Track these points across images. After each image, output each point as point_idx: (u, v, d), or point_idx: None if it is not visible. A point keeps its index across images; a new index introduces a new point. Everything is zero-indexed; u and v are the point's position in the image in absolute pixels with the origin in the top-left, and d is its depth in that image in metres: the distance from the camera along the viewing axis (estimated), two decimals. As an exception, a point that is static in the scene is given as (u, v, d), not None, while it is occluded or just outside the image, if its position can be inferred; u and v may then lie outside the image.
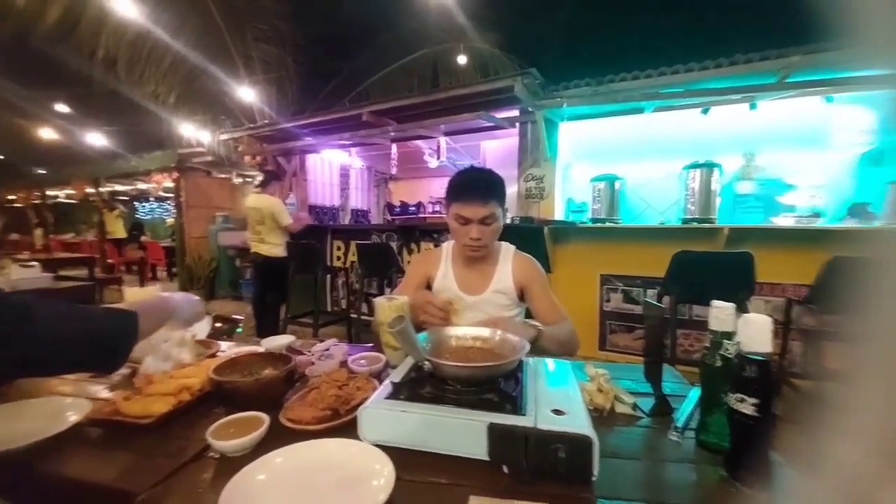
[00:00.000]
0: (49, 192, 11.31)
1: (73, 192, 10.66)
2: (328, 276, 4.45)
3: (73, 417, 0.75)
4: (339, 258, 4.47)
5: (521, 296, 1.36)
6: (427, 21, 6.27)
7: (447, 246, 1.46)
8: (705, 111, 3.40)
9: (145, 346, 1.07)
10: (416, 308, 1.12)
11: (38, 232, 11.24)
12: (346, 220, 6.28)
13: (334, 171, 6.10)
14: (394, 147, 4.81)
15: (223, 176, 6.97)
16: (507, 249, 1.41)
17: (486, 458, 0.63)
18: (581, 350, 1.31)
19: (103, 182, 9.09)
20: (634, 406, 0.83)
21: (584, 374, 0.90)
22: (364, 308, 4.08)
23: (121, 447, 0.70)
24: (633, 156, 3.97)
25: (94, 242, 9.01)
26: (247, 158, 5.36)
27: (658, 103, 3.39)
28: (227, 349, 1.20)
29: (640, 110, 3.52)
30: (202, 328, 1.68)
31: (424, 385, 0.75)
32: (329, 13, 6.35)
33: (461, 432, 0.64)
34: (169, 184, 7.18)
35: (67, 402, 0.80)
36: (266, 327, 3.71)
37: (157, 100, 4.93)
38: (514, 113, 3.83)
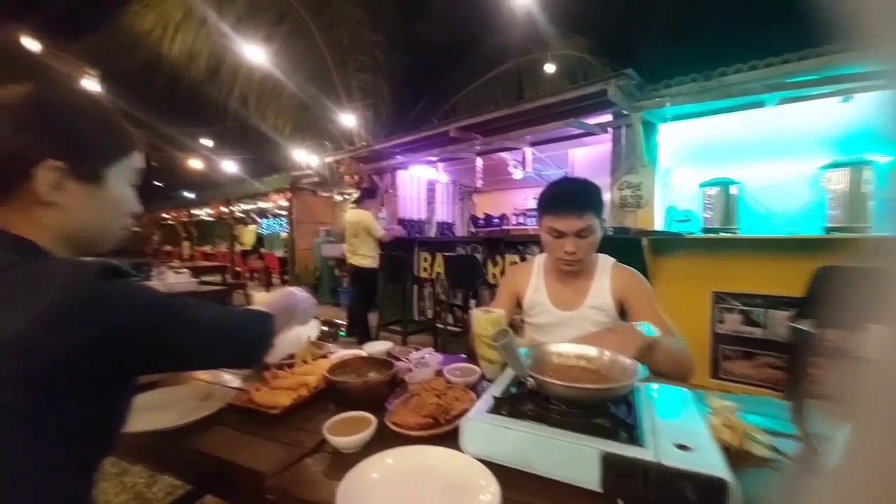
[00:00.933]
0: (194, 212, 13.74)
1: (211, 211, 12.81)
2: (415, 286, 4.64)
3: (217, 402, 0.88)
4: (425, 269, 4.63)
5: (621, 312, 1.25)
6: (511, 35, 6.32)
7: (539, 259, 1.41)
8: (846, 99, 2.83)
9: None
10: None
11: (186, 244, 13.68)
12: (431, 232, 6.50)
13: (422, 185, 6.38)
14: (479, 160, 4.88)
15: (326, 194, 7.77)
16: (605, 262, 1.31)
17: (597, 488, 0.58)
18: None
19: (234, 202, 10.76)
20: (772, 448, 0.70)
21: (702, 405, 0.78)
22: (449, 318, 4.17)
23: (253, 432, 0.80)
24: (750, 156, 3.47)
25: (226, 253, 10.66)
26: (346, 178, 5.90)
27: (784, 94, 2.92)
28: (335, 351, 1.31)
29: (759, 104, 3.07)
30: (313, 330, 1.87)
31: (526, 402, 0.72)
32: (420, 41, 6.77)
33: (570, 457, 0.60)
34: (283, 202, 8.23)
35: (212, 389, 0.94)
36: (358, 332, 3.98)
37: (276, 130, 5.73)
38: (607, 118, 3.62)
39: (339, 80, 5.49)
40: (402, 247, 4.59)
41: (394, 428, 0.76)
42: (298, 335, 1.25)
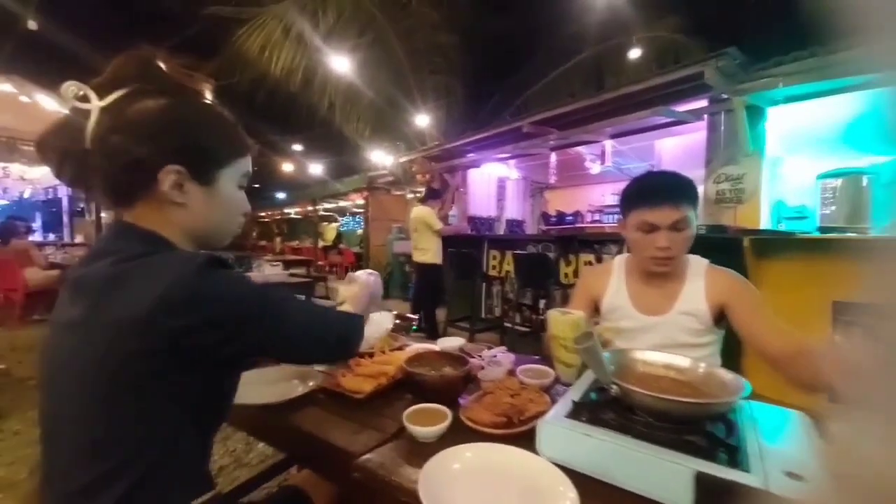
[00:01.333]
0: (285, 210, 15.23)
1: (299, 209, 14.09)
2: (484, 284, 4.64)
3: (311, 383, 0.97)
4: (494, 267, 4.60)
5: (717, 319, 1.12)
6: (590, 21, 5.98)
7: (619, 260, 1.32)
8: None
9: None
10: None
11: (278, 240, 15.21)
12: (501, 230, 6.44)
13: (492, 183, 6.35)
14: (553, 155, 4.71)
15: (399, 193, 8.11)
16: (699, 263, 1.19)
17: (688, 510, 0.53)
18: (803, 398, 0.98)
19: (318, 202, 11.72)
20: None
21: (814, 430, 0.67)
22: (517, 318, 4.11)
23: (340, 413, 0.87)
24: (880, 143, 2.88)
25: (311, 248, 11.67)
26: (418, 177, 6.10)
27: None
28: (409, 344, 1.36)
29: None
30: (389, 322, 1.97)
31: (607, 410, 0.69)
32: (493, 38, 6.73)
33: (658, 474, 0.56)
34: (360, 201, 8.77)
35: (305, 371, 1.04)
36: (427, 326, 4.10)
37: (356, 133, 6.14)
38: (702, 103, 3.26)
39: (415, 82, 5.69)
40: (471, 244, 4.62)
41: (468, 423, 0.77)
42: (378, 326, 1.33)
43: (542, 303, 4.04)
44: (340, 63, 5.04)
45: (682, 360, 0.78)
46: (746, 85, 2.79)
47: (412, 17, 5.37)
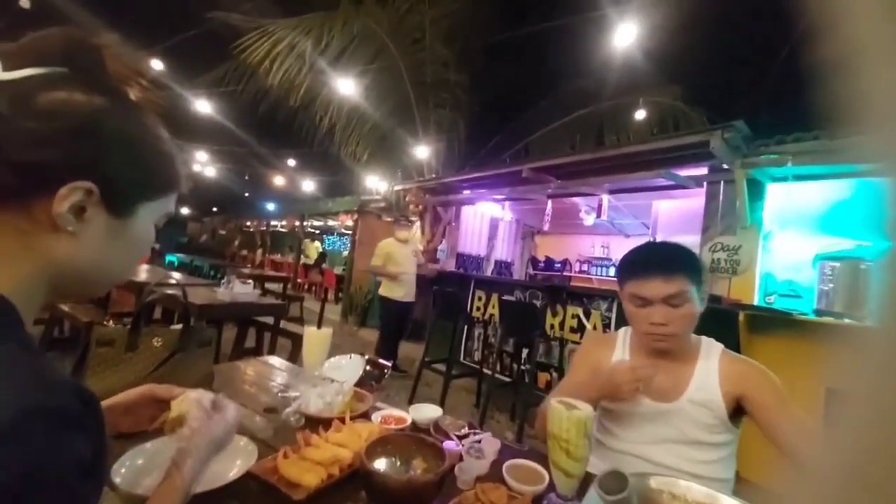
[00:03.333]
0: (272, 223, 14.90)
1: (285, 223, 13.80)
2: (466, 325, 4.43)
3: (239, 463, 0.75)
4: (478, 308, 4.42)
5: (733, 414, 0.97)
6: (595, 79, 6.19)
7: (624, 332, 1.17)
8: None
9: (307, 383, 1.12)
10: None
11: (259, 251, 14.78)
12: (489, 270, 6.32)
13: (485, 222, 6.28)
14: (549, 202, 4.68)
15: (389, 219, 7.97)
16: (711, 347, 1.05)
17: None
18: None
19: (307, 218, 11.49)
20: None
21: None
22: (497, 366, 3.89)
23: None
24: (872, 229, 2.89)
25: (292, 264, 11.31)
26: (411, 206, 6.00)
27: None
28: (378, 407, 1.15)
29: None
30: (355, 370, 1.74)
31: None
32: (501, 81, 6.91)
33: None
34: (349, 223, 8.58)
35: (240, 446, 0.82)
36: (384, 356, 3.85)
37: (354, 157, 6.06)
38: (702, 171, 3.27)
39: (419, 114, 5.70)
40: (458, 283, 4.45)
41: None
42: (341, 387, 1.12)
43: (524, 352, 3.86)
44: (346, 86, 5.01)
45: (721, 499, 0.60)
46: (752, 159, 2.79)
47: (424, 51, 5.44)
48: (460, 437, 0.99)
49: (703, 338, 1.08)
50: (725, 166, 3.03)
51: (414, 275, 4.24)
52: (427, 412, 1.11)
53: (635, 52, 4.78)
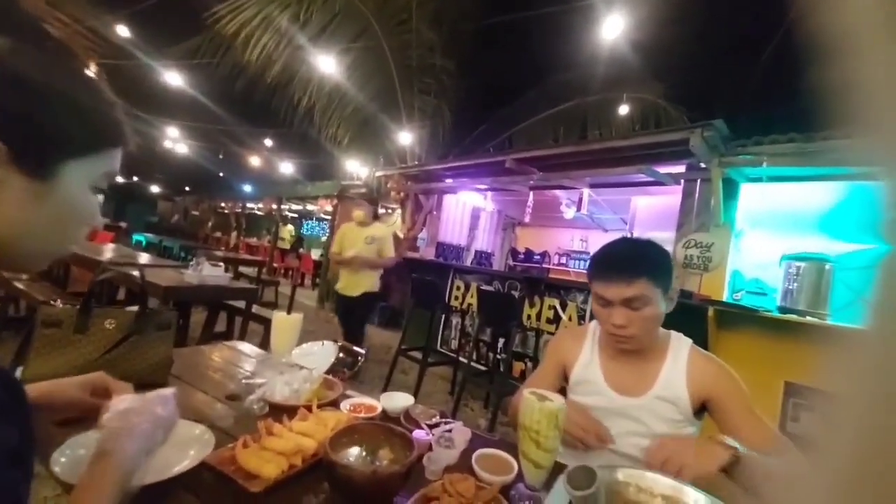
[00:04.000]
0: (248, 205, 14.45)
1: (262, 206, 13.40)
2: (444, 314, 4.43)
3: (192, 453, 0.71)
4: (457, 298, 4.42)
5: (697, 411, 0.99)
6: (581, 73, 6.20)
7: (595, 326, 1.17)
8: None
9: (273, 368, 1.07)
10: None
11: (234, 234, 14.35)
12: (469, 259, 6.32)
13: (467, 211, 6.26)
14: (531, 194, 4.69)
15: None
16: (680, 343, 1.06)
17: None
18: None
19: (284, 201, 11.18)
20: None
21: None
22: (474, 355, 3.91)
23: (225, 509, 0.62)
24: (844, 232, 3.06)
25: (267, 248, 11.02)
26: (392, 193, 5.90)
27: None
28: (349, 395, 1.12)
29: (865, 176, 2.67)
30: (326, 357, 1.69)
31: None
32: (488, 70, 6.81)
33: None
34: (329, 208, 8.40)
35: (195, 434, 0.77)
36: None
37: (334, 140, 5.87)
38: (679, 169, 3.33)
39: (403, 99, 5.55)
40: (437, 272, 4.43)
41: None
42: (310, 374, 1.08)
43: (500, 342, 3.89)
44: (327, 64, 4.79)
45: (685, 490, 0.60)
46: (731, 158, 2.85)
47: (410, 33, 5.28)
48: (431, 427, 0.97)
49: (673, 333, 1.08)
50: (703, 165, 3.09)
51: (373, 262, 3.46)
52: (398, 401, 1.09)
53: (621, 46, 4.79)
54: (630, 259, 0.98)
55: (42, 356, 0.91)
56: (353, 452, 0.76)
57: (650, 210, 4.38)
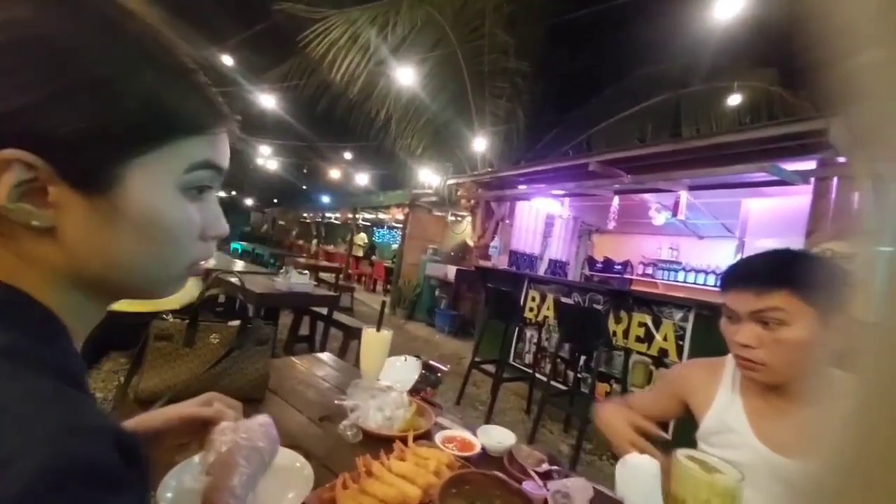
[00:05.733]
0: (327, 214, 15.50)
1: (339, 215, 14.28)
2: (518, 327, 4.22)
3: (292, 496, 0.65)
4: (531, 309, 4.20)
5: None
6: (668, 64, 5.63)
7: (732, 361, 0.94)
8: None
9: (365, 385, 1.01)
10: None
11: (314, 241, 15.46)
12: (542, 269, 6.03)
13: (540, 218, 5.99)
14: (616, 199, 4.31)
15: (440, 214, 7.90)
16: None
17: None
18: None
19: (359, 210, 11.78)
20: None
21: None
22: (550, 371, 3.65)
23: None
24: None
25: (344, 255, 11.67)
26: (462, 201, 5.86)
27: None
28: (440, 424, 1.02)
29: None
30: (410, 374, 1.62)
31: None
32: (564, 69, 6.52)
33: None
34: (400, 216, 8.63)
35: (296, 467, 0.72)
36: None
37: (408, 150, 6.01)
38: (809, 165, 2.79)
39: (475, 104, 5.52)
40: (511, 282, 4.26)
41: None
42: (402, 399, 1.00)
43: (581, 359, 3.59)
44: (405, 75, 4.92)
45: None
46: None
47: (483, 38, 5.23)
48: (541, 475, 0.83)
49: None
50: (841, 159, 2.55)
51: None
52: (498, 437, 0.96)
53: (717, 30, 4.23)
54: (768, 264, 0.79)
55: (154, 368, 0.93)
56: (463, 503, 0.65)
57: (767, 214, 3.76)
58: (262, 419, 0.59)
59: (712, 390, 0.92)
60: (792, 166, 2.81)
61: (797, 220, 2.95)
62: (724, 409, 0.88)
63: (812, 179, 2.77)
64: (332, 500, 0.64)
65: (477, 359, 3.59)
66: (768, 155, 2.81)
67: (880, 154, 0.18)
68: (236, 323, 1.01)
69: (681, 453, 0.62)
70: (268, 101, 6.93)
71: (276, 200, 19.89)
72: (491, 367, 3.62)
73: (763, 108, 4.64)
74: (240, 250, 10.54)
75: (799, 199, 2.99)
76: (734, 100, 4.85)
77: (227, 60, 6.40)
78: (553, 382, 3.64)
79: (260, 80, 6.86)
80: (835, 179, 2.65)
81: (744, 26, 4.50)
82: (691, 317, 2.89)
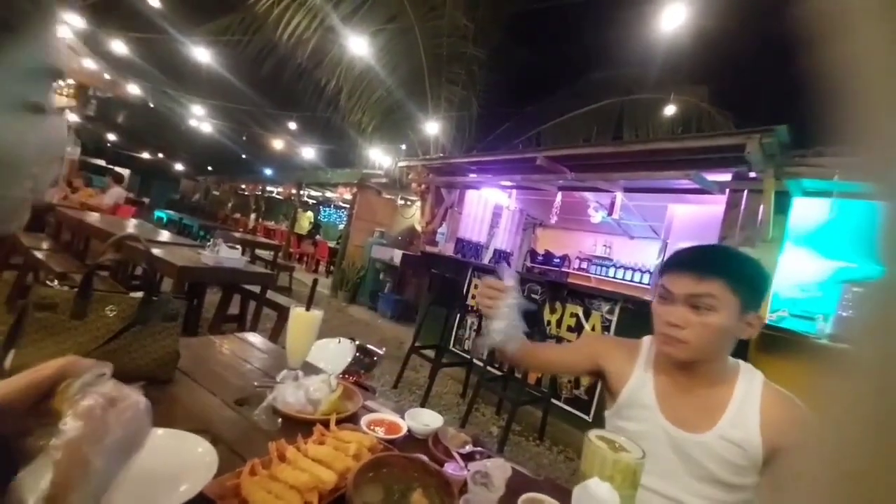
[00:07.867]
0: (268, 188, 14.54)
1: (282, 190, 13.46)
2: (459, 314, 4.29)
3: (189, 483, 0.59)
4: (474, 297, 4.29)
5: (766, 461, 0.82)
6: (618, 71, 5.94)
7: (649, 342, 1.02)
8: None
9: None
10: None
11: (253, 216, 14.48)
12: (487, 258, 6.17)
13: (488, 208, 6.10)
14: (559, 195, 4.50)
15: (389, 196, 7.74)
16: (752, 375, 0.90)
17: None
18: None
19: (304, 187, 11.18)
20: None
21: None
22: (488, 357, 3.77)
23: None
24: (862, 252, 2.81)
25: (285, 232, 11.06)
26: (413, 185, 5.78)
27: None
28: (372, 408, 1.00)
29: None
30: (343, 357, 1.56)
31: None
32: (520, 63, 6.60)
33: None
34: (348, 196, 8.33)
35: (197, 453, 0.65)
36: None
37: (358, 127, 5.76)
38: (725, 177, 3.10)
39: (431, 88, 5.41)
40: (456, 269, 4.30)
41: None
42: (327, 381, 0.96)
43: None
44: (357, 45, 4.66)
45: None
46: (791, 168, 2.62)
47: (442, 19, 5.11)
48: (464, 457, 0.84)
49: (742, 363, 0.93)
50: (753, 174, 2.86)
51: None
52: (426, 420, 0.95)
53: (662, 44, 4.53)
54: (709, 255, 0.89)
55: (34, 342, 0.80)
56: (380, 495, 0.63)
57: (689, 219, 4.15)
58: (139, 399, 0.45)
59: (629, 368, 0.99)
60: (711, 177, 3.10)
61: (712, 225, 3.29)
62: (639, 386, 0.96)
63: (727, 190, 3.08)
64: (237, 488, 0.60)
65: (417, 344, 3.60)
66: (693, 164, 3.07)
67: (872, 147, 0.18)
68: (139, 295, 0.89)
69: (593, 434, 0.65)
70: (202, 54, 6.24)
71: (210, 168, 18.20)
72: (431, 353, 3.65)
73: (693, 121, 5.10)
74: (165, 219, 9.55)
75: (715, 208, 3.32)
76: (670, 110, 5.26)
77: (155, 2, 5.65)
78: (490, 368, 3.77)
79: (196, 31, 6.15)
80: (745, 192, 2.97)
81: (684, 45, 4.86)
82: (617, 309, 3.12)
